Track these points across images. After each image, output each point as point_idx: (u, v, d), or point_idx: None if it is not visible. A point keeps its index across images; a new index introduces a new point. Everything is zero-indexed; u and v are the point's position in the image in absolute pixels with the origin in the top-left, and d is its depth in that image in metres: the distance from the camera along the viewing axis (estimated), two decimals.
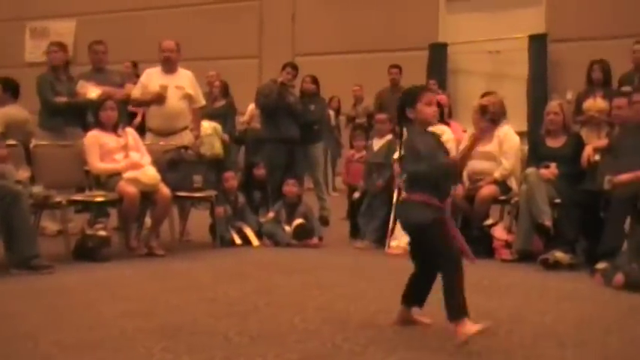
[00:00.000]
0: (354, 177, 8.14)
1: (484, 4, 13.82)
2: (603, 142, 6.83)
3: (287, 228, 7.35)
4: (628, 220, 5.92)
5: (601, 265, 5.48)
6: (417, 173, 3.83)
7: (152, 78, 7.60)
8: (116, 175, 6.48)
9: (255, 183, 7.93)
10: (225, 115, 11.34)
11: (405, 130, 3.99)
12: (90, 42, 8.33)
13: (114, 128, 6.74)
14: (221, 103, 11.53)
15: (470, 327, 3.60)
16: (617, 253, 5.51)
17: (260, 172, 8.00)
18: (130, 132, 6.85)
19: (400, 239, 6.72)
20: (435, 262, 3.85)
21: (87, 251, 6.26)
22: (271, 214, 7.52)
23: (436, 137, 3.99)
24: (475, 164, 6.83)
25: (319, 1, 15.42)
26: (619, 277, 5.14)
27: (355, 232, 7.53)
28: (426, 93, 3.94)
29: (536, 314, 4.37)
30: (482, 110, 6.55)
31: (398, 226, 6.88)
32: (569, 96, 9.67)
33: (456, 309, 3.68)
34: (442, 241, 3.78)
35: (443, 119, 7.44)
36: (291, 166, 8.72)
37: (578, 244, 6.20)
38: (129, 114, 9.05)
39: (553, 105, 6.93)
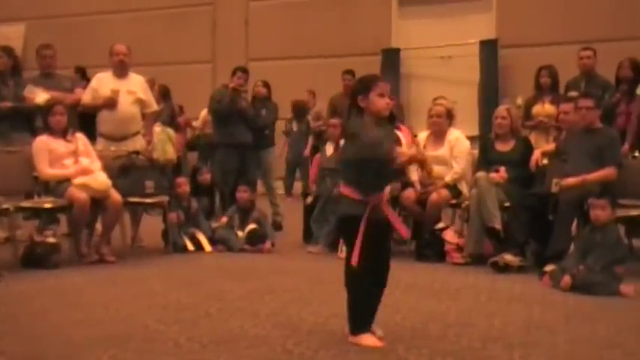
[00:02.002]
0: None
1: (436, 10, 13.96)
2: (551, 146, 6.95)
3: (240, 233, 7.33)
4: (575, 223, 6.05)
5: (549, 268, 5.58)
6: (347, 158, 3.77)
7: (103, 82, 7.52)
8: (66, 181, 6.39)
9: (201, 189, 7.86)
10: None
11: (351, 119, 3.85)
12: (37, 46, 8.20)
13: (63, 133, 6.64)
14: (160, 107, 11.40)
15: (366, 340, 3.68)
16: (564, 256, 5.61)
17: (203, 177, 7.94)
18: (80, 137, 6.76)
19: None
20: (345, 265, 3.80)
21: (36, 258, 6.16)
22: (224, 220, 7.50)
23: (389, 131, 3.86)
24: None
25: (272, 6, 15.42)
26: (566, 279, 5.23)
27: (308, 237, 7.54)
28: (380, 83, 3.78)
29: (485, 317, 4.42)
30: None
31: None
32: (519, 101, 9.80)
33: (354, 323, 3.74)
34: (352, 241, 3.70)
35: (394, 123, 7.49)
36: (243, 171, 8.70)
37: (527, 247, 6.30)
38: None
39: (500, 109, 7.04)
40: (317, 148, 10.93)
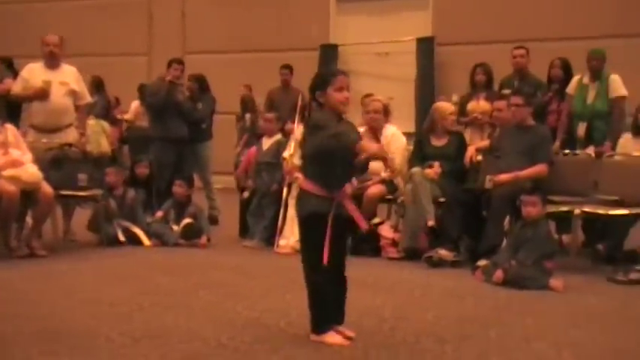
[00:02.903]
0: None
1: (374, 7, 14.02)
2: (485, 142, 7.06)
3: (175, 228, 7.26)
4: (507, 219, 6.16)
5: (482, 262, 5.68)
6: (311, 152, 3.71)
7: (34, 73, 7.33)
8: None
9: (138, 181, 7.77)
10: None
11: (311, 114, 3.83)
12: None
13: None
14: (94, 99, 11.21)
15: (330, 338, 3.65)
16: (497, 251, 5.71)
17: (141, 170, 7.85)
18: (10, 128, 6.59)
19: (289, 238, 6.76)
20: (303, 263, 3.76)
21: None
22: (159, 214, 7.41)
23: (351, 125, 3.82)
24: None
25: None
26: (498, 274, 5.32)
27: (245, 232, 7.51)
28: (338, 77, 3.73)
29: (419, 311, 4.47)
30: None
31: (286, 225, 6.93)
32: (455, 98, 9.91)
33: (314, 321, 3.72)
34: (312, 243, 3.67)
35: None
36: (179, 166, 8.61)
37: (461, 242, 6.39)
38: None
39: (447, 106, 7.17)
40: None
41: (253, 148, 8.08)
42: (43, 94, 7.19)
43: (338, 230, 3.68)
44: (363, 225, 3.83)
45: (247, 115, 12.53)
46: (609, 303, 4.88)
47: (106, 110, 11.46)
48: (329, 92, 3.71)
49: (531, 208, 5.49)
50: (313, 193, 3.69)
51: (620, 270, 5.66)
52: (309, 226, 3.72)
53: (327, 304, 3.73)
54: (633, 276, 5.56)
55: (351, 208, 3.75)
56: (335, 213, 3.66)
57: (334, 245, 3.66)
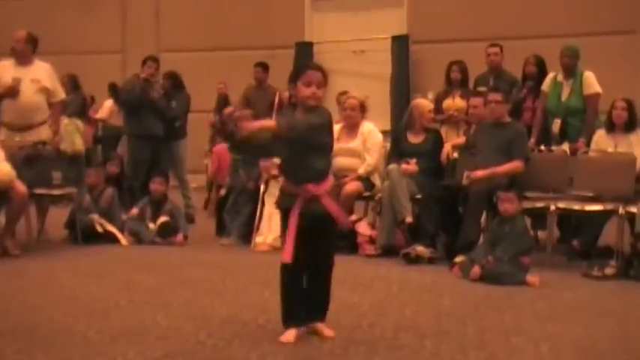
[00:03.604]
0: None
1: (348, 5, 14.03)
2: (461, 139, 7.09)
3: (151, 225, 7.21)
4: (484, 215, 6.19)
5: (459, 259, 5.68)
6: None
7: (4, 70, 7.22)
8: None
9: (109, 180, 7.70)
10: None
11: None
12: None
13: None
14: (69, 97, 11.10)
15: (285, 336, 3.63)
16: (474, 247, 5.72)
17: (112, 169, 7.82)
18: None
19: (266, 235, 6.74)
20: None
21: None
22: (134, 211, 7.35)
23: (318, 113, 3.75)
24: (340, 161, 6.93)
25: None
26: (475, 270, 5.34)
27: (221, 230, 7.48)
28: (307, 72, 3.73)
29: (397, 307, 4.47)
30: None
31: (263, 222, 6.91)
32: (430, 96, 9.94)
33: (283, 315, 3.71)
34: (282, 238, 3.69)
35: None
36: (155, 163, 8.55)
37: (438, 239, 6.41)
38: None
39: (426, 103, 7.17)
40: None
41: (219, 146, 8.03)
42: (12, 92, 7.09)
43: (307, 227, 3.63)
44: (342, 222, 3.81)
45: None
46: (585, 298, 4.91)
47: (82, 109, 11.34)
48: (298, 86, 3.72)
49: (508, 204, 5.51)
50: (282, 187, 3.75)
51: (595, 265, 5.69)
52: (282, 220, 3.77)
53: (290, 302, 3.69)
54: (608, 271, 5.60)
55: (330, 205, 3.70)
56: (302, 210, 3.62)
57: (304, 243, 3.62)
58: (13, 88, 7.06)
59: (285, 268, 3.65)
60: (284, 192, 3.73)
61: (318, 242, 3.72)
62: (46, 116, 7.30)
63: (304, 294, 3.73)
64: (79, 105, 11.13)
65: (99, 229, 7.04)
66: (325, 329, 3.75)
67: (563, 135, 7.03)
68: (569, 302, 4.78)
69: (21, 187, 6.30)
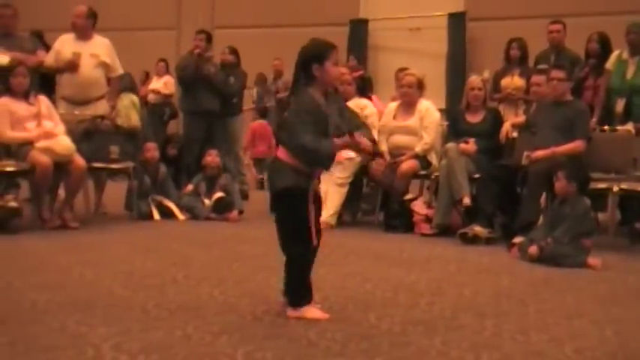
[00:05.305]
0: None
1: None
2: (521, 118, 6.95)
3: (206, 202, 7.23)
4: (544, 196, 6.06)
5: (518, 240, 5.58)
6: (291, 137, 3.52)
7: (65, 45, 7.31)
8: (28, 144, 6.24)
9: (168, 160, 7.76)
10: None
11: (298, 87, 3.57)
12: None
13: (25, 95, 6.46)
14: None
15: (311, 312, 3.56)
16: (533, 228, 5.61)
17: (172, 151, 7.89)
18: (43, 100, 6.59)
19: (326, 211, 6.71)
20: (282, 239, 3.64)
21: None
22: (189, 188, 7.39)
23: (338, 102, 3.63)
24: (396, 139, 6.87)
25: None
26: (533, 248, 5.24)
27: None
28: (335, 51, 3.54)
29: (455, 287, 4.40)
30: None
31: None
32: (486, 74, 9.78)
33: (296, 297, 3.60)
34: (298, 215, 3.54)
35: (365, 94, 7.47)
36: (209, 140, 8.58)
37: (495, 219, 6.30)
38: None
39: (476, 80, 6.98)
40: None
41: (255, 122, 8.00)
42: (72, 66, 7.17)
43: (316, 208, 3.61)
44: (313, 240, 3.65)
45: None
46: None
47: (132, 85, 11.47)
48: (327, 66, 3.50)
49: (559, 184, 5.38)
50: (292, 165, 3.52)
51: None
52: (286, 200, 3.56)
53: (307, 279, 3.64)
54: None
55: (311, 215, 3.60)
56: (312, 190, 3.58)
57: (315, 222, 3.60)
58: (73, 63, 7.14)
59: (305, 244, 3.58)
60: (298, 171, 3.53)
61: (318, 221, 3.68)
62: (104, 91, 7.39)
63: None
64: (130, 81, 11.26)
65: (156, 216, 7.06)
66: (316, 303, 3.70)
67: (628, 114, 6.84)
68: (633, 286, 4.66)
69: (80, 160, 6.37)
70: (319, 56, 3.51)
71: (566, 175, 5.37)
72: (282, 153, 3.57)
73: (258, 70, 12.93)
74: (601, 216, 6.82)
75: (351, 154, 6.36)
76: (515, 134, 6.66)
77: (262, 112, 12.13)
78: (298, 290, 3.63)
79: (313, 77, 3.51)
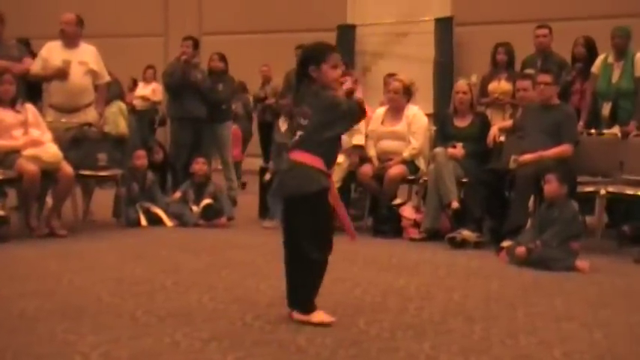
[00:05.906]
0: None
1: None
2: (508, 122, 6.97)
3: (194, 208, 7.22)
4: (532, 199, 6.08)
5: (506, 243, 5.60)
6: (336, 114, 3.56)
7: (53, 52, 7.27)
8: (15, 152, 6.20)
9: (154, 166, 7.74)
10: None
11: (303, 86, 3.65)
12: None
13: (12, 103, 6.43)
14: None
15: (320, 317, 3.57)
16: (521, 231, 5.63)
17: (157, 156, 7.89)
18: (29, 108, 6.55)
19: None
20: (295, 241, 3.60)
21: None
22: (178, 194, 7.38)
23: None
24: (385, 144, 6.89)
25: None
26: (520, 249, 5.26)
27: (264, 214, 7.46)
28: (334, 54, 3.60)
29: (444, 291, 4.41)
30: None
31: None
32: (474, 78, 9.82)
33: (309, 302, 3.62)
34: (320, 218, 3.56)
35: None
36: (197, 146, 8.56)
37: (484, 223, 6.31)
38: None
39: (461, 84, 7.01)
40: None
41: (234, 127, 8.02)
42: (62, 74, 7.14)
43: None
44: (352, 234, 3.87)
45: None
46: (638, 284, 4.81)
47: (119, 92, 11.45)
48: (324, 69, 3.57)
49: (548, 186, 5.41)
50: (315, 166, 3.56)
51: None
52: (313, 202, 3.57)
53: (320, 284, 3.66)
54: None
55: (341, 210, 3.77)
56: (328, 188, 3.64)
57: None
58: (62, 71, 7.11)
59: (324, 249, 3.60)
60: (322, 172, 3.57)
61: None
62: (92, 98, 7.36)
63: None
64: (117, 88, 11.25)
65: (144, 222, 7.04)
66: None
67: (614, 118, 6.88)
68: (621, 288, 4.68)
69: (67, 168, 6.35)
70: (316, 58, 3.59)
71: (559, 178, 5.40)
72: (302, 156, 3.57)
73: (247, 77, 12.92)
74: (589, 219, 6.82)
75: None
76: (502, 138, 6.67)
77: (234, 118, 12.14)
78: (311, 295, 3.64)
79: (311, 78, 3.58)
